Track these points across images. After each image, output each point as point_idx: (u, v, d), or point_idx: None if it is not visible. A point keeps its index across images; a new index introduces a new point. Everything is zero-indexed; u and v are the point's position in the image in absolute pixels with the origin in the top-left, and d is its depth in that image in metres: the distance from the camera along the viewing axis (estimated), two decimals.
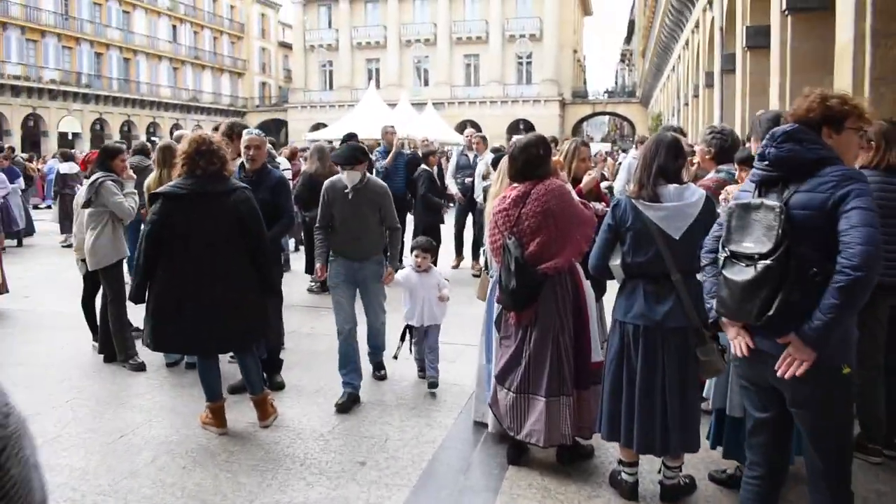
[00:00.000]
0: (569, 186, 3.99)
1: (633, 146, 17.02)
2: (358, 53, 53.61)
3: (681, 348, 3.21)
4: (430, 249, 5.26)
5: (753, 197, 2.50)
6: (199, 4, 54.26)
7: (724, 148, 4.23)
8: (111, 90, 44.91)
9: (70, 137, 42.37)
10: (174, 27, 51.66)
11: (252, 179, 4.92)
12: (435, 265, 5.41)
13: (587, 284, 3.91)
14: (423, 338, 5.12)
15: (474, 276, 9.63)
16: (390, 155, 9.50)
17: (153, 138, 49.11)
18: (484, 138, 10.34)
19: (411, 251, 5.29)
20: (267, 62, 63.38)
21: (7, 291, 7.76)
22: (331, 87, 54.37)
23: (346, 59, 53.30)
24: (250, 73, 60.23)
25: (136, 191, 6.04)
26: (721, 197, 3.69)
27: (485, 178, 7.97)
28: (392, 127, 10.19)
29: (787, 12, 9.44)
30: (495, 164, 6.74)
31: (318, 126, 44.34)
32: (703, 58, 18.77)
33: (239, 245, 4.21)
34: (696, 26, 20.04)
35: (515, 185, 3.81)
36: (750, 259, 2.37)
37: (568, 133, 51.33)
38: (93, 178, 5.76)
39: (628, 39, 77.14)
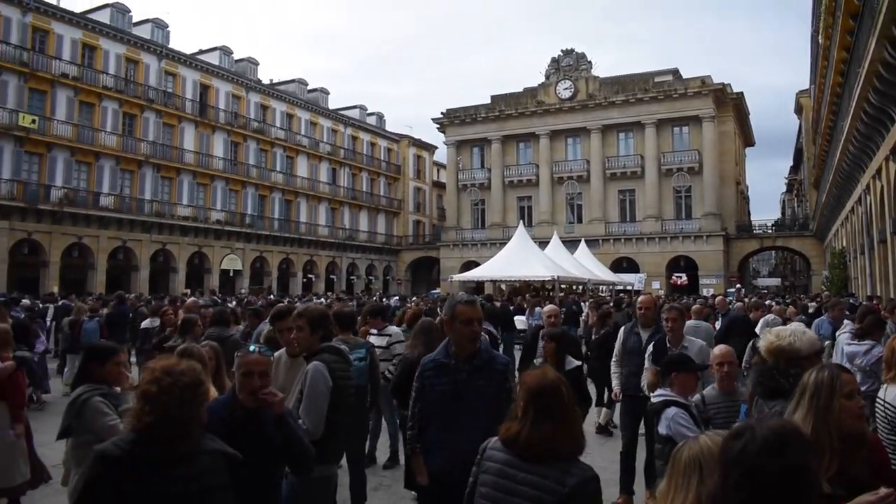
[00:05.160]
0: None
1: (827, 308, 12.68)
2: (510, 192, 53.39)
3: None
4: None
5: None
6: (358, 149, 56.89)
7: None
8: (272, 230, 46.90)
9: (231, 274, 44.27)
10: (334, 170, 54.12)
11: None
12: None
13: None
14: None
15: None
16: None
17: (309, 275, 50.95)
18: (680, 312, 6.36)
19: None
20: (421, 201, 64.88)
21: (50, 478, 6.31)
22: (482, 225, 54.20)
23: (498, 198, 53.14)
24: (405, 213, 61.65)
25: None
26: None
27: (651, 387, 5.09)
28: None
29: None
30: (667, 368, 4.55)
31: (469, 265, 43.69)
32: None
33: None
34: (892, 153, 17.13)
35: None
36: None
37: (734, 269, 47.41)
38: (74, 394, 4.10)
39: (795, 169, 72.58)
